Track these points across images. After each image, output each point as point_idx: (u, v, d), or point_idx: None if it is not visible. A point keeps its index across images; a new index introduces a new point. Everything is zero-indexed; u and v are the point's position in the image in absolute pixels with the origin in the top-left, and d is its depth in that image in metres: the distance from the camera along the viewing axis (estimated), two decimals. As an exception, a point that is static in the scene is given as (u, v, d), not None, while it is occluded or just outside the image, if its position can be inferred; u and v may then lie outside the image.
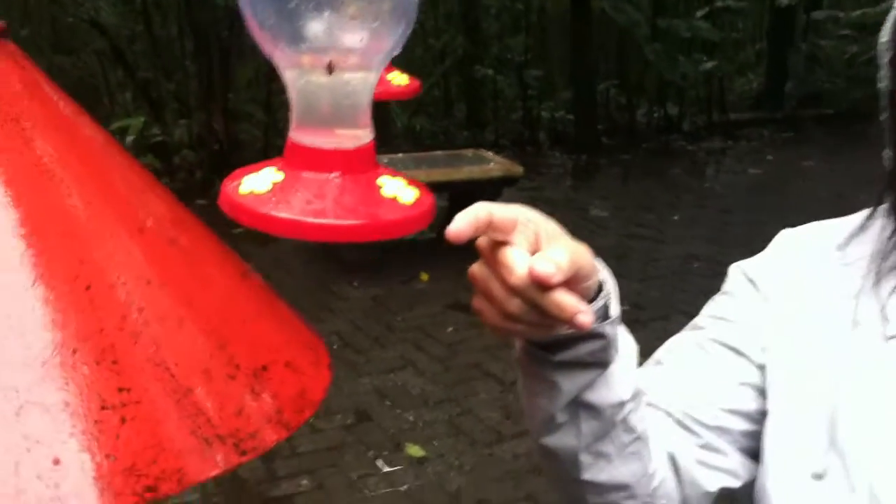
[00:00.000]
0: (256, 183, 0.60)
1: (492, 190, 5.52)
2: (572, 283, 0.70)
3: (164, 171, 6.60)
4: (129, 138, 6.38)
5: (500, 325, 0.71)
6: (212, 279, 0.89)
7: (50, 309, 0.74)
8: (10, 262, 0.75)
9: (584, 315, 0.67)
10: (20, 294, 0.74)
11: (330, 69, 0.59)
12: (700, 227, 6.34)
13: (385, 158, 5.55)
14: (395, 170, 0.65)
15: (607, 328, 0.78)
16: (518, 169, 5.63)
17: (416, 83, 1.15)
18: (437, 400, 3.87)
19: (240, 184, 0.61)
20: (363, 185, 0.61)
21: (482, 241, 0.70)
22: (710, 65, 9.41)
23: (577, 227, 6.02)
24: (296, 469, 3.33)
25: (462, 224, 0.65)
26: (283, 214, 0.57)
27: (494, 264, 0.69)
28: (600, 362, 0.80)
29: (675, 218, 6.54)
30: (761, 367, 0.92)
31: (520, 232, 0.69)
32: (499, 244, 0.69)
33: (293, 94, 0.61)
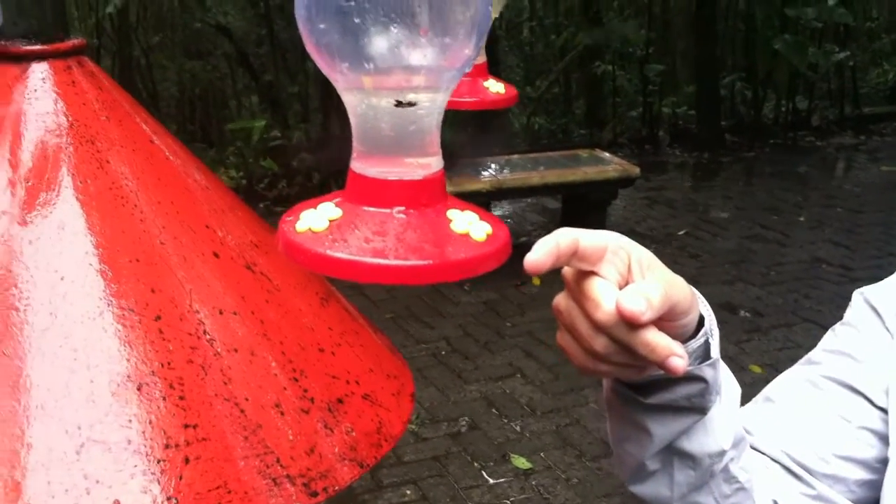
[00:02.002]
0: (314, 219, 0.55)
1: (607, 191, 5.39)
2: (667, 319, 0.63)
3: (283, 175, 6.72)
4: (254, 140, 6.51)
5: (586, 364, 0.65)
6: (290, 305, 0.86)
7: (117, 341, 0.72)
8: (80, 291, 0.73)
9: (678, 358, 0.60)
10: (88, 325, 0.72)
11: (399, 104, 0.54)
12: (828, 228, 5.99)
13: (502, 159, 5.53)
14: (466, 202, 0.59)
15: (706, 370, 0.70)
16: (635, 169, 5.48)
17: (514, 91, 1.10)
18: (545, 409, 3.78)
19: (297, 220, 0.56)
20: (430, 221, 0.55)
21: (567, 271, 0.64)
22: (842, 55, 8.96)
23: (697, 229, 5.83)
24: (401, 478, 3.31)
25: (541, 254, 0.59)
26: (339, 254, 0.52)
27: (580, 297, 0.63)
28: (698, 407, 0.73)
29: (802, 219, 6.22)
30: (884, 410, 0.82)
31: (609, 262, 0.63)
32: (585, 275, 0.63)
33: (353, 118, 0.57)
